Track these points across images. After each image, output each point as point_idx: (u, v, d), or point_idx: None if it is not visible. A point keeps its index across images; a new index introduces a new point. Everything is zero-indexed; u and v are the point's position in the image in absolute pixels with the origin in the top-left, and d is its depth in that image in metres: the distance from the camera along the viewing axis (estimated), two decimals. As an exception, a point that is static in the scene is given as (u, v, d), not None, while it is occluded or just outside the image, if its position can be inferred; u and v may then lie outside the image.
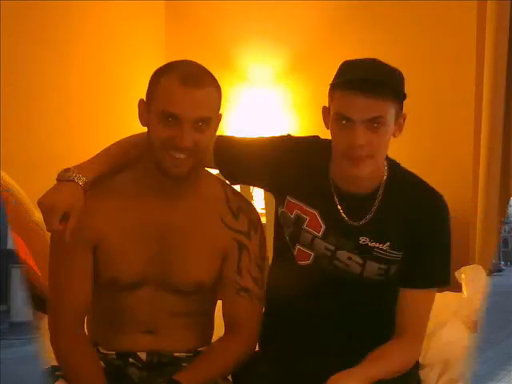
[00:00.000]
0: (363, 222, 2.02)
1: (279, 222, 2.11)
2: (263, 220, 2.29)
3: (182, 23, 4.44)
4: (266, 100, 4.31)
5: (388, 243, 2.01)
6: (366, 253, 2.01)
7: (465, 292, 2.76)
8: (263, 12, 4.30)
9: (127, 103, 2.74)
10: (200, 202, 2.05)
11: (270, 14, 4.30)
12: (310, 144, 2.13)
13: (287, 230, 2.08)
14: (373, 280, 2.03)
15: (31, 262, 2.67)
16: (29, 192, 2.96)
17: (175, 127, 1.90)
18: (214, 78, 1.97)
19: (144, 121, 1.98)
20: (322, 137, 2.13)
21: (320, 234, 2.04)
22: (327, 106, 1.99)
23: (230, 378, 2.06)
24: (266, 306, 2.12)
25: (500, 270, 4.53)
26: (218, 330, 2.13)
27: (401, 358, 2.00)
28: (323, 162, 2.06)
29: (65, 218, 1.87)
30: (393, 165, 2.07)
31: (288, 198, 2.07)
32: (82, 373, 1.96)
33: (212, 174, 2.13)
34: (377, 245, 2.01)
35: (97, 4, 3.82)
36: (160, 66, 1.98)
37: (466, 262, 3.49)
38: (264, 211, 3.48)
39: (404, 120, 2.00)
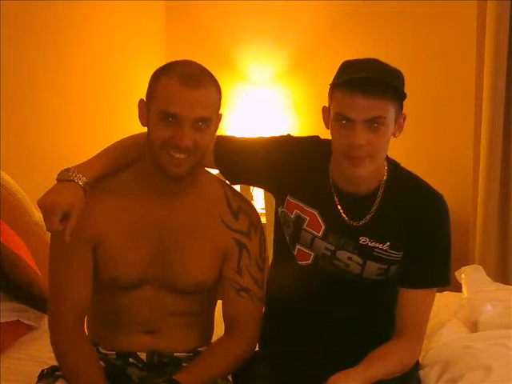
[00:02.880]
0: (363, 222, 2.02)
1: (279, 222, 2.11)
2: (263, 220, 2.29)
3: (182, 23, 4.44)
4: (266, 100, 4.31)
5: (388, 243, 2.01)
6: (365, 253, 2.01)
7: (465, 292, 2.76)
8: (263, 12, 4.31)
9: (127, 103, 2.75)
10: (200, 202, 2.05)
11: (270, 14, 4.30)
12: (309, 144, 2.13)
13: (287, 230, 2.08)
14: (373, 280, 2.03)
15: (31, 262, 2.67)
16: (29, 192, 2.96)
17: (175, 127, 1.90)
18: (214, 78, 1.96)
19: (144, 121, 1.98)
20: (322, 137, 2.13)
21: (320, 234, 2.04)
22: (327, 106, 1.99)
23: (229, 377, 2.06)
24: (266, 306, 2.12)
25: None
26: (218, 330, 2.13)
27: (400, 358, 2.00)
28: (323, 162, 2.06)
29: (65, 218, 1.86)
30: (393, 165, 2.07)
31: (288, 197, 2.07)
32: (81, 373, 1.96)
33: (212, 174, 2.13)
34: (377, 245, 2.01)
35: (97, 4, 3.81)
36: (160, 65, 1.98)
37: (466, 262, 3.49)
38: (264, 211, 3.48)
39: (404, 120, 2.00)
